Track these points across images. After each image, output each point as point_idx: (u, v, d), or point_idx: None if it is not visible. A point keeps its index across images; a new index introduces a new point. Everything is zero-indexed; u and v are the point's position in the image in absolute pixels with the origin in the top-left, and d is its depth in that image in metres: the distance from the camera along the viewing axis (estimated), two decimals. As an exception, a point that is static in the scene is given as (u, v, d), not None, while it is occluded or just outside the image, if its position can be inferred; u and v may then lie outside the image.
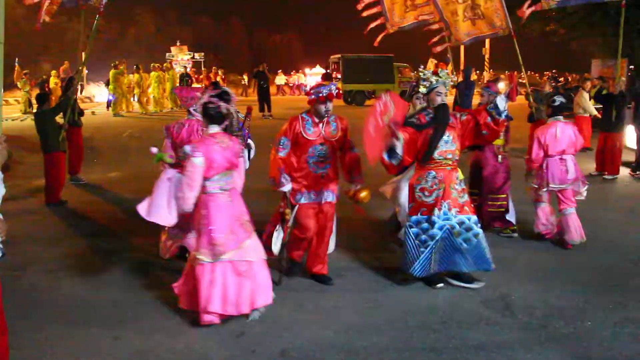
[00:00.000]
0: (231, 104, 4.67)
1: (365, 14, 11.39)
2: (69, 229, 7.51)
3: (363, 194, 5.27)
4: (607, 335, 4.40)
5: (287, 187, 5.22)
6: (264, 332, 4.49)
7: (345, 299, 5.10)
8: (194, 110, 5.69)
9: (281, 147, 5.27)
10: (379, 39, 11.36)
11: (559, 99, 6.63)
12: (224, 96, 4.65)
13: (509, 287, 5.31)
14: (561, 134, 6.37)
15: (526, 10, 10.46)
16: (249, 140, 6.29)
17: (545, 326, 4.57)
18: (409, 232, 5.21)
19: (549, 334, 4.43)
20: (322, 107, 5.13)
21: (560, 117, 6.52)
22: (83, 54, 9.75)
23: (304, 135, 5.22)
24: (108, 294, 5.28)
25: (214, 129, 4.62)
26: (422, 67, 5.49)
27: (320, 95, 5.10)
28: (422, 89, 5.25)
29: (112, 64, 22.82)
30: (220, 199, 4.54)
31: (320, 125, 5.23)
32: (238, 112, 5.55)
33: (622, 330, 4.48)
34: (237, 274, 4.48)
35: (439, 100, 5.18)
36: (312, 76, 40.54)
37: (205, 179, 4.45)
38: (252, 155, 6.21)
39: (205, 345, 4.31)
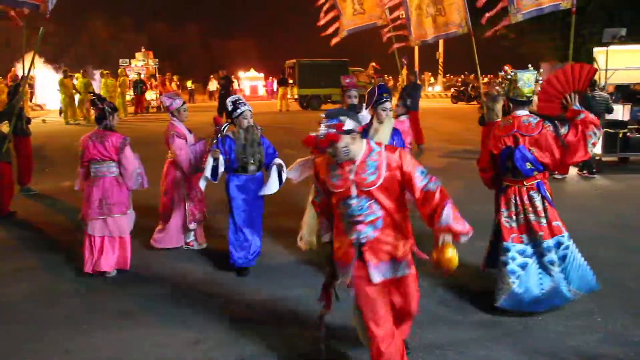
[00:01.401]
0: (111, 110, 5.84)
1: (322, 22, 11.50)
2: (18, 240, 7.31)
3: (448, 255, 3.32)
4: (558, 329, 4.53)
5: (326, 236, 3.82)
6: (220, 339, 4.48)
7: (301, 302, 5.10)
8: (170, 113, 6.59)
9: (316, 191, 3.84)
10: (334, 41, 11.47)
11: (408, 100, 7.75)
12: (98, 102, 5.84)
13: (463, 287, 5.41)
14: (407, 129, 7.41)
15: (487, 15, 10.77)
16: (277, 160, 5.92)
17: (499, 323, 4.67)
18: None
19: (502, 331, 4.54)
20: (331, 152, 3.43)
21: (406, 116, 7.36)
22: (30, 60, 9.48)
23: (329, 184, 3.55)
24: (60, 306, 5.18)
25: (98, 127, 5.82)
26: (507, 68, 4.96)
27: (321, 139, 3.32)
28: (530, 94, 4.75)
29: (63, 71, 22.35)
30: (90, 182, 5.82)
31: (348, 168, 3.45)
32: (257, 126, 5.91)
33: (572, 323, 4.62)
34: (96, 242, 5.81)
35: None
36: (246, 80, 40.13)
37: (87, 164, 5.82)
38: (284, 176, 5.88)
39: (161, 355, 4.26)
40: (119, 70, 27.09)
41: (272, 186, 5.83)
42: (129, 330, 4.65)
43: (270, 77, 41.76)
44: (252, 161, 5.80)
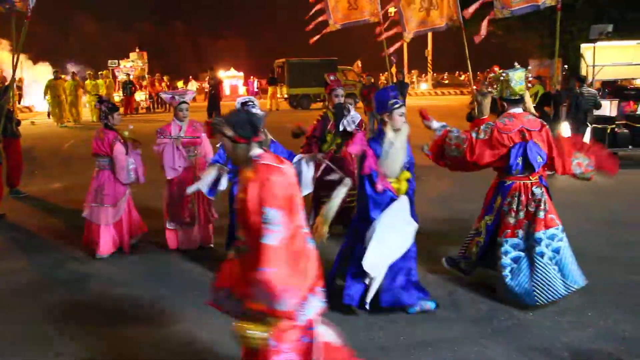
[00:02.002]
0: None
1: (313, 10, 11.46)
2: (9, 242, 7.27)
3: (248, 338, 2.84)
4: (549, 325, 4.57)
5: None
6: (214, 339, 4.47)
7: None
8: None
9: None
10: (316, 37, 11.42)
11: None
12: (99, 102, 6.46)
13: (455, 284, 5.44)
14: None
15: (470, 11, 10.72)
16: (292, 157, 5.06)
17: (491, 320, 4.70)
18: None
19: (494, 327, 4.57)
20: None
21: None
22: (16, 61, 9.41)
23: None
24: (50, 309, 5.15)
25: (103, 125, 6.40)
26: (496, 69, 5.16)
27: None
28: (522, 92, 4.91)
29: (53, 72, 22.11)
30: (94, 173, 6.44)
31: None
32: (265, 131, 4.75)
33: (564, 319, 4.66)
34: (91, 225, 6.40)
35: None
36: (226, 79, 39.54)
37: None
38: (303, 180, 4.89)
39: (154, 356, 4.26)
40: (104, 72, 26.80)
41: (308, 182, 4.98)
42: (122, 330, 4.64)
43: (252, 77, 41.11)
44: None
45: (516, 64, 5.18)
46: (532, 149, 4.74)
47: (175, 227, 6.54)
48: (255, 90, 38.74)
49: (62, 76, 22.80)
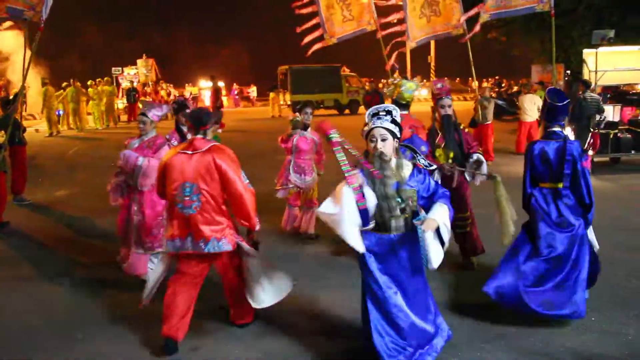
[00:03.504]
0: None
1: (302, 27, 11.49)
2: (13, 250, 7.29)
3: None
4: (552, 329, 4.56)
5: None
6: (219, 345, 4.49)
7: (297, 307, 5.11)
8: None
9: None
10: (313, 49, 11.45)
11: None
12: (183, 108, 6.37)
13: (458, 289, 5.46)
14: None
15: (463, 19, 10.95)
16: (442, 202, 3.83)
17: (493, 325, 4.70)
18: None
19: (496, 333, 4.57)
20: None
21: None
22: (27, 70, 9.45)
23: None
24: (54, 318, 5.16)
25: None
26: (395, 75, 5.89)
27: None
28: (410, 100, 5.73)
29: (41, 79, 21.85)
30: None
31: None
32: (406, 152, 4.27)
33: (567, 323, 4.64)
34: None
35: None
36: (207, 91, 38.54)
37: None
38: (446, 236, 3.83)
39: (160, 361, 4.28)
40: (97, 80, 26.65)
41: (434, 252, 3.73)
42: (128, 338, 4.65)
43: (235, 84, 40.49)
44: (395, 213, 3.71)
45: (415, 78, 6.09)
46: (414, 141, 5.37)
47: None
48: (236, 97, 38.54)
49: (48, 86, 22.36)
